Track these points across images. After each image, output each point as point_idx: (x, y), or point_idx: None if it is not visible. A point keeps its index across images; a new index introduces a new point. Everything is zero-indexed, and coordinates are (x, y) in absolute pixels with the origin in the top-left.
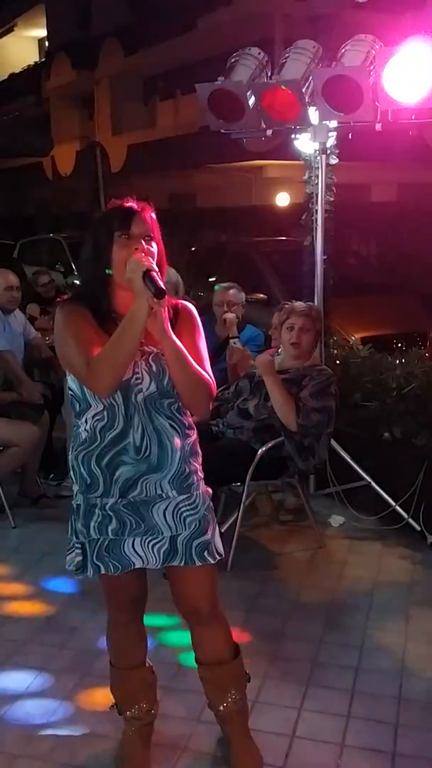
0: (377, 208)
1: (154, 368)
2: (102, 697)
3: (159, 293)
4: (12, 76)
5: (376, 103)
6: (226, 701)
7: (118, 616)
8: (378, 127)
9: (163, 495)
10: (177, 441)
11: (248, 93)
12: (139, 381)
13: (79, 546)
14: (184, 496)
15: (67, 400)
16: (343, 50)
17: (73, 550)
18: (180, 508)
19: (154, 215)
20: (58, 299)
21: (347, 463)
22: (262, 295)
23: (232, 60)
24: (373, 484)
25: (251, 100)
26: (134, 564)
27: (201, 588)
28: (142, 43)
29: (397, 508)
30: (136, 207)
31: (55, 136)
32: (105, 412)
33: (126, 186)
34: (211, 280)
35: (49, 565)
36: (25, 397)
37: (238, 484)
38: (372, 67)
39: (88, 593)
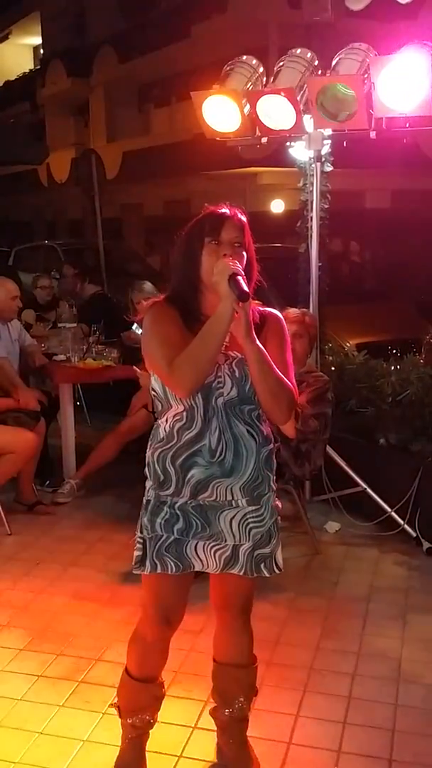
0: (372, 215)
1: (236, 373)
2: (99, 704)
3: (242, 296)
4: (7, 83)
5: (371, 111)
6: (233, 707)
7: (148, 631)
8: (372, 135)
9: (233, 502)
10: (253, 449)
11: (243, 101)
12: (221, 385)
13: (141, 541)
14: (253, 507)
15: (64, 406)
16: (337, 58)
17: (136, 545)
18: (247, 519)
19: (245, 221)
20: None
21: (343, 469)
22: (256, 302)
23: (227, 68)
24: (369, 490)
25: (246, 108)
26: (194, 566)
27: (241, 596)
28: (137, 51)
29: (393, 514)
30: (228, 213)
31: (50, 144)
32: (184, 413)
33: (121, 193)
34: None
35: (46, 573)
36: (22, 404)
37: None
38: (366, 76)
39: (85, 601)
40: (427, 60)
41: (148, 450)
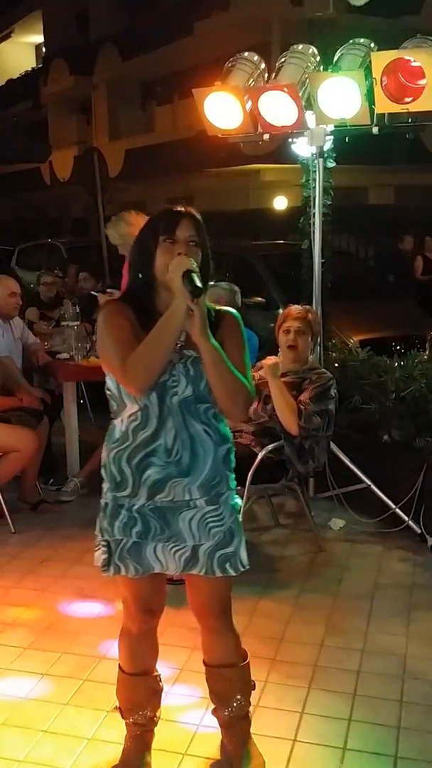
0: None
1: (191, 371)
2: (104, 702)
3: (195, 292)
4: (9, 82)
5: (372, 106)
6: (231, 706)
7: (132, 624)
8: (375, 130)
9: (191, 503)
10: (210, 448)
11: (245, 98)
12: (176, 383)
13: (105, 544)
14: (212, 507)
15: (68, 405)
16: (339, 54)
17: (100, 547)
18: (206, 518)
19: (200, 219)
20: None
21: (347, 466)
22: (260, 299)
23: (229, 65)
24: (373, 486)
25: (248, 105)
26: (154, 568)
27: (215, 598)
28: (139, 49)
29: (397, 510)
30: (183, 211)
31: (52, 142)
32: (139, 413)
33: (124, 191)
34: (210, 284)
35: (50, 571)
36: (25, 402)
37: (238, 487)
38: (368, 71)
39: (88, 599)
40: (430, 54)
41: (103, 451)
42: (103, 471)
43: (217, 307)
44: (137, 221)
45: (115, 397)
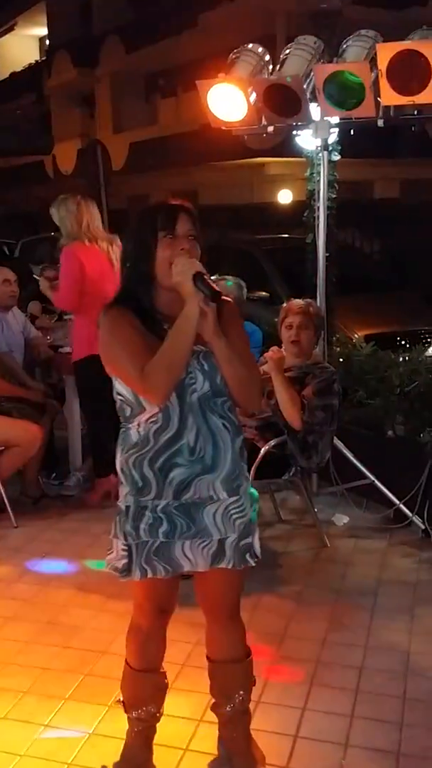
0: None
1: (206, 366)
2: (105, 697)
3: (215, 297)
4: (13, 74)
5: (378, 98)
6: (234, 702)
7: (143, 623)
8: (380, 123)
9: (214, 497)
10: (229, 440)
11: (249, 89)
12: (194, 381)
13: (126, 548)
14: (233, 498)
15: (70, 398)
16: (344, 46)
17: (115, 552)
18: (229, 510)
19: (195, 212)
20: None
21: (351, 461)
22: (264, 293)
23: (233, 56)
24: (377, 482)
25: (252, 97)
26: (183, 567)
27: (232, 589)
28: (143, 41)
29: (402, 506)
30: (181, 205)
31: (56, 135)
32: (160, 415)
33: (127, 184)
34: (213, 278)
35: (52, 566)
36: (29, 396)
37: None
38: (374, 63)
39: (90, 593)
40: None
41: (118, 456)
42: (121, 476)
43: None
44: (80, 212)
45: (130, 402)
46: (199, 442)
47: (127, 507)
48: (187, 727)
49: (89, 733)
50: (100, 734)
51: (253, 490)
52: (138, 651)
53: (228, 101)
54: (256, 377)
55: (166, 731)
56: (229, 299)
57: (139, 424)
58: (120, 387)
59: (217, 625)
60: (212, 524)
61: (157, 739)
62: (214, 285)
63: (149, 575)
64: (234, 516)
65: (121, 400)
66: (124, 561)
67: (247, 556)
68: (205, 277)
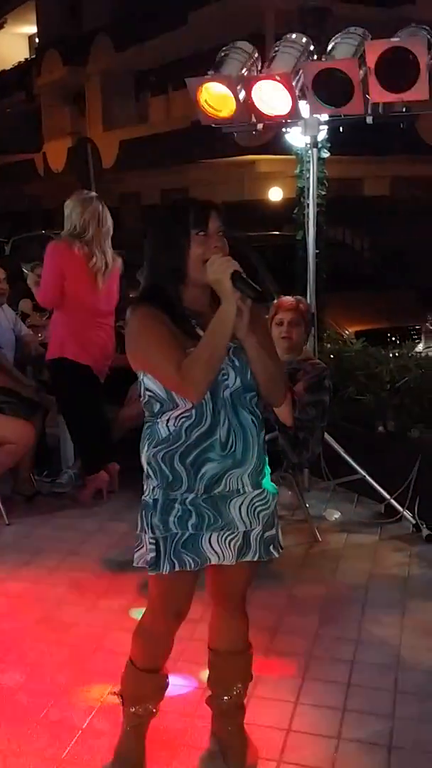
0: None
1: (236, 362)
2: (98, 693)
3: (259, 297)
4: (2, 72)
5: (367, 95)
6: (231, 694)
7: (156, 628)
8: (369, 120)
9: (241, 490)
10: (256, 435)
11: (238, 87)
12: (226, 377)
13: (153, 542)
14: (258, 491)
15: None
16: (333, 43)
17: (143, 547)
18: (254, 503)
19: (222, 210)
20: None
21: (342, 457)
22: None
23: (222, 54)
24: (368, 477)
25: (241, 95)
26: (210, 560)
27: (243, 583)
28: (133, 39)
29: (392, 501)
30: (211, 203)
31: (46, 133)
32: (193, 411)
33: (118, 182)
34: None
35: (44, 562)
36: (22, 392)
37: None
38: (362, 60)
39: (84, 590)
40: (424, 43)
41: (145, 451)
42: (148, 469)
43: None
44: (88, 218)
45: (161, 398)
46: (231, 437)
47: (155, 500)
48: (183, 722)
49: (82, 729)
50: (94, 731)
51: (271, 484)
52: (146, 652)
53: (217, 99)
54: (282, 372)
55: (161, 726)
56: None
57: (168, 420)
58: (150, 383)
59: (226, 615)
60: (238, 517)
61: (152, 734)
62: (253, 284)
63: (177, 568)
64: (259, 508)
65: (150, 395)
66: (152, 555)
67: (271, 547)
68: (243, 275)
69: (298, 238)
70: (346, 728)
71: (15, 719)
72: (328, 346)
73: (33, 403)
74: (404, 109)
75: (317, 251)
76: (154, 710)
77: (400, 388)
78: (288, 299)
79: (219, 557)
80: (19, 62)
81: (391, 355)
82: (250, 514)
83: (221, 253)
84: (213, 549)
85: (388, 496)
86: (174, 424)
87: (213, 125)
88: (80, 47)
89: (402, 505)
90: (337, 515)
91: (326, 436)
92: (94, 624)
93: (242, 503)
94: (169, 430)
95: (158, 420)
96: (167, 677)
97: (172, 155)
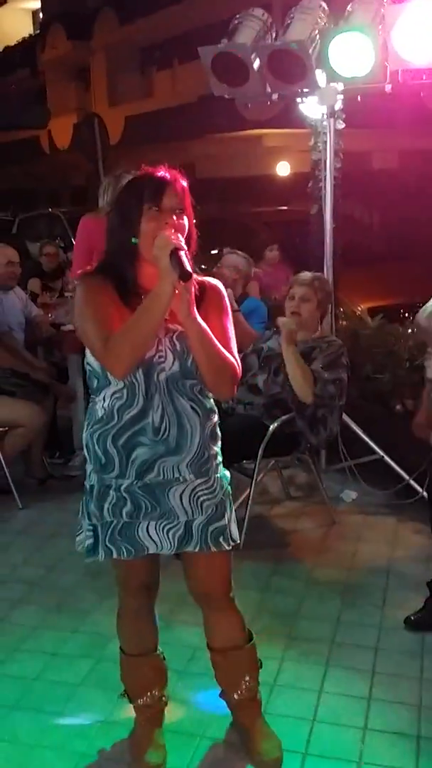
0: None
1: (178, 347)
2: (116, 681)
3: (184, 276)
4: (6, 48)
5: (386, 63)
6: (241, 688)
7: (128, 602)
8: (388, 88)
9: (181, 478)
10: (197, 424)
11: (252, 56)
12: (163, 360)
13: (91, 528)
14: (202, 480)
15: (73, 377)
16: (350, 9)
17: (83, 532)
18: (197, 492)
19: (186, 185)
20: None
21: (359, 436)
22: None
23: (236, 22)
24: (386, 457)
25: (256, 63)
26: (148, 549)
27: (214, 574)
28: (138, 13)
29: (411, 481)
30: (168, 177)
31: (51, 109)
32: (125, 391)
33: (124, 158)
34: (213, 252)
35: (58, 547)
36: (33, 376)
37: (249, 461)
38: (380, 26)
39: (98, 575)
40: None
41: (84, 431)
42: (85, 452)
43: (199, 279)
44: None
45: (98, 374)
46: (164, 422)
47: (92, 486)
48: (202, 713)
49: (102, 721)
50: (113, 721)
51: (225, 473)
52: (129, 634)
53: (231, 69)
54: (229, 367)
55: (180, 717)
56: (214, 281)
57: (104, 398)
58: (89, 357)
59: (211, 611)
60: (178, 506)
61: (172, 725)
62: (187, 264)
63: (114, 555)
64: (202, 498)
65: (89, 370)
66: (90, 541)
67: (221, 539)
68: (182, 254)
69: (313, 212)
70: (372, 718)
71: (33, 711)
72: (344, 323)
73: (44, 386)
74: (423, 77)
75: (334, 226)
76: (163, 697)
77: (419, 365)
78: (306, 274)
79: (157, 546)
80: (24, 38)
81: (409, 331)
82: (192, 504)
83: (171, 230)
84: (151, 538)
85: (406, 476)
86: (108, 405)
87: (226, 95)
88: (85, 22)
89: (421, 486)
90: (354, 496)
91: (344, 416)
92: (110, 610)
93: (183, 492)
94: (105, 410)
95: (97, 399)
96: (163, 658)
97: (178, 130)
